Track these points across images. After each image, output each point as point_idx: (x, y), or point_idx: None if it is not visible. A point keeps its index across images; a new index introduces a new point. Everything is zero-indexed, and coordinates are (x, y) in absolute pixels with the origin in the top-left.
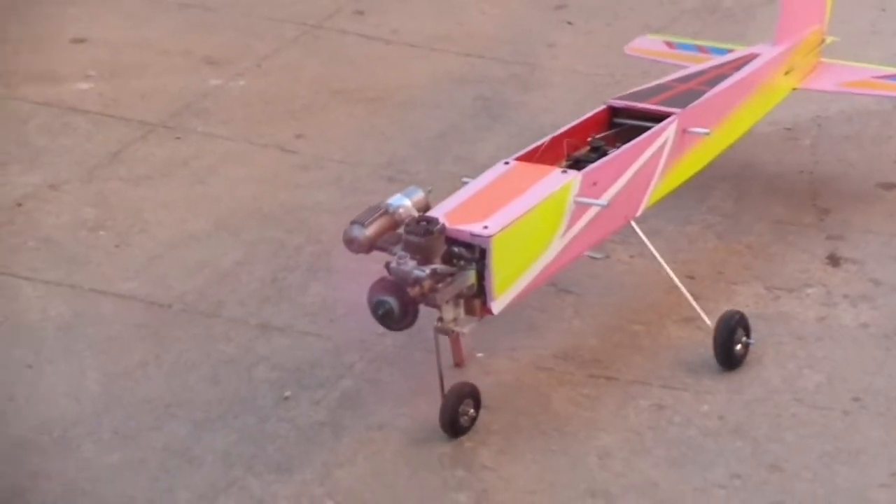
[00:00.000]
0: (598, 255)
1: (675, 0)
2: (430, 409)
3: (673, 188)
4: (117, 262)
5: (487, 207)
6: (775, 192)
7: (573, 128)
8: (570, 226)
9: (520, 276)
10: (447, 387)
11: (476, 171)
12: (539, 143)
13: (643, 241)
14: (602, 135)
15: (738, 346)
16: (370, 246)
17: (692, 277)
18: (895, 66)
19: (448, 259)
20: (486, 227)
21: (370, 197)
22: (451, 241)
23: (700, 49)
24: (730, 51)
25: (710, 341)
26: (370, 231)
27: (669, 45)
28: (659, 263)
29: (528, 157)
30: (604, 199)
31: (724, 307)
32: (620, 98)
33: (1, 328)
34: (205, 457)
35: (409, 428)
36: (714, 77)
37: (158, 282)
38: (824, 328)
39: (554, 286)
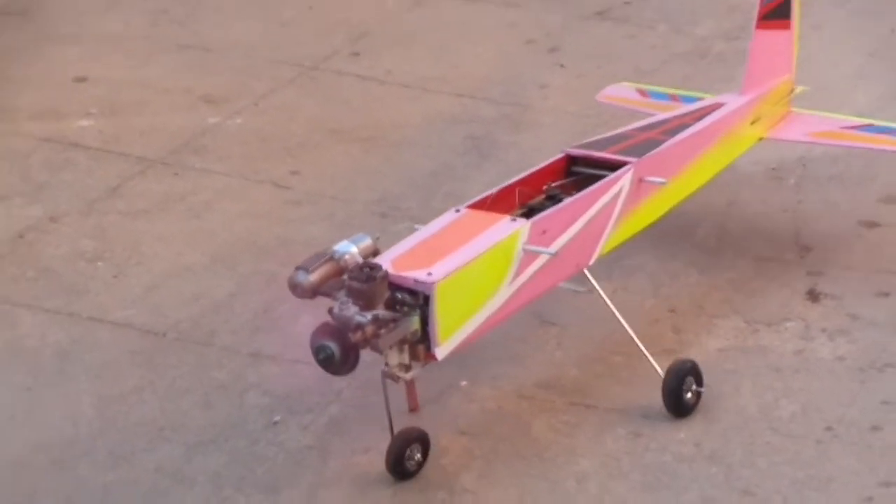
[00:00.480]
0: (581, 289)
1: (667, 44)
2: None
3: (629, 236)
4: (115, 292)
5: (434, 254)
6: (758, 229)
7: (529, 176)
8: (518, 273)
9: (465, 323)
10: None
11: None
12: (492, 190)
13: (626, 275)
14: (558, 183)
15: (689, 395)
16: (314, 292)
17: (674, 311)
18: (870, 116)
19: (391, 305)
20: (429, 274)
21: (360, 231)
22: (396, 287)
23: (671, 97)
24: (699, 99)
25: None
26: (314, 277)
27: (642, 93)
28: (640, 297)
29: (481, 205)
30: (553, 248)
31: (705, 340)
32: (578, 146)
33: (1, 353)
34: (196, 477)
35: None
36: (676, 126)
37: (154, 311)
38: (801, 361)
39: (538, 318)
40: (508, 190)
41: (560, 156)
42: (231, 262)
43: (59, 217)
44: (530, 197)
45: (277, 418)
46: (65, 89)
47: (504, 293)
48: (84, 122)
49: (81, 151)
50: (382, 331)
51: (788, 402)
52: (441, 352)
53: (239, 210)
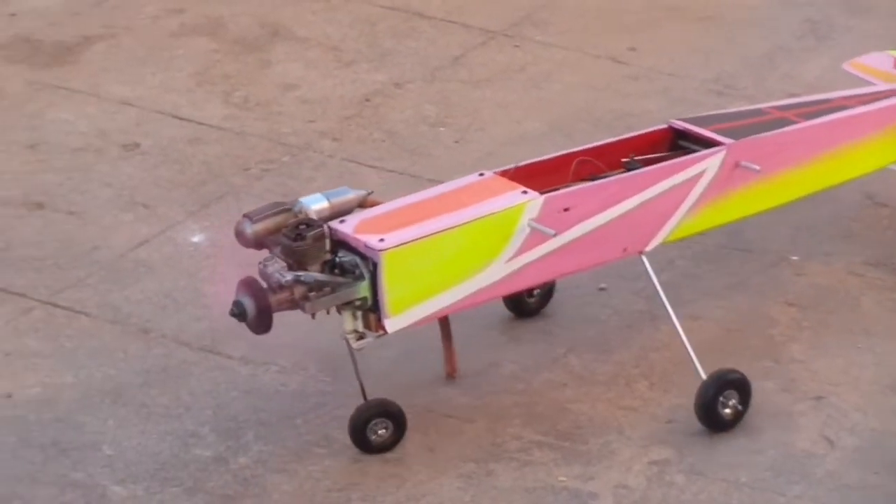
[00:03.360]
0: None
1: None
2: (745, 302)
3: (719, 224)
4: (455, 156)
5: (413, 218)
6: None
7: (615, 144)
8: (520, 251)
9: (430, 297)
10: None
11: (802, 89)
12: (549, 155)
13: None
14: (647, 157)
15: (727, 410)
16: (257, 243)
17: None
18: None
19: (335, 267)
20: (382, 240)
21: (697, 108)
22: (351, 249)
23: None
24: None
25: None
26: (258, 227)
27: None
28: None
29: (523, 171)
30: (581, 229)
31: None
32: (687, 119)
33: None
34: (528, 336)
35: (722, 319)
36: (829, 108)
37: None
38: None
39: (870, 199)
40: (568, 158)
41: (662, 126)
42: (568, 131)
43: (404, 83)
44: (609, 168)
45: (603, 286)
46: None
47: (496, 271)
48: None
49: (426, 21)
50: (312, 294)
51: None
52: (392, 325)
53: (577, 82)
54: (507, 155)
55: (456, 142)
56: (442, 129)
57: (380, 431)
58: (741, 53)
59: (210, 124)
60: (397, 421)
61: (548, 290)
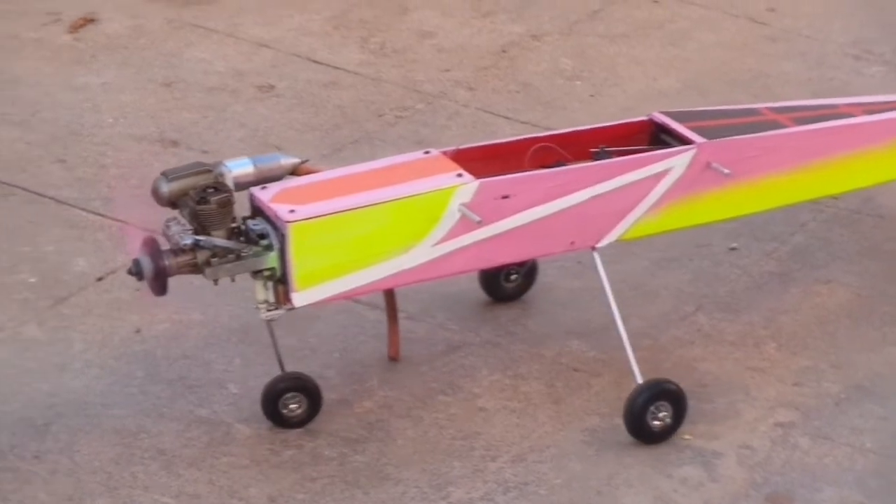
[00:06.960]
0: None
1: None
2: (877, 268)
3: (685, 225)
4: (590, 111)
5: (337, 191)
6: None
7: (591, 132)
8: (450, 235)
9: (345, 274)
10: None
11: None
12: (510, 139)
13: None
14: (617, 149)
15: (656, 422)
16: (171, 202)
17: None
18: None
19: (239, 235)
20: (292, 212)
21: (833, 72)
22: (266, 218)
23: None
24: None
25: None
26: (174, 186)
27: None
28: None
29: (499, 150)
30: (523, 218)
31: None
32: (671, 113)
33: None
34: (659, 291)
35: (854, 285)
36: (831, 115)
37: None
38: None
39: None
40: (530, 143)
41: (643, 118)
42: (703, 90)
43: (541, 35)
44: (576, 157)
45: (735, 245)
46: None
47: (421, 254)
48: None
49: None
50: (215, 259)
51: None
52: (300, 299)
53: (714, 41)
54: (642, 111)
55: (591, 96)
56: (578, 82)
57: (291, 406)
58: (881, 19)
59: (346, 69)
60: (311, 396)
61: (528, 275)
